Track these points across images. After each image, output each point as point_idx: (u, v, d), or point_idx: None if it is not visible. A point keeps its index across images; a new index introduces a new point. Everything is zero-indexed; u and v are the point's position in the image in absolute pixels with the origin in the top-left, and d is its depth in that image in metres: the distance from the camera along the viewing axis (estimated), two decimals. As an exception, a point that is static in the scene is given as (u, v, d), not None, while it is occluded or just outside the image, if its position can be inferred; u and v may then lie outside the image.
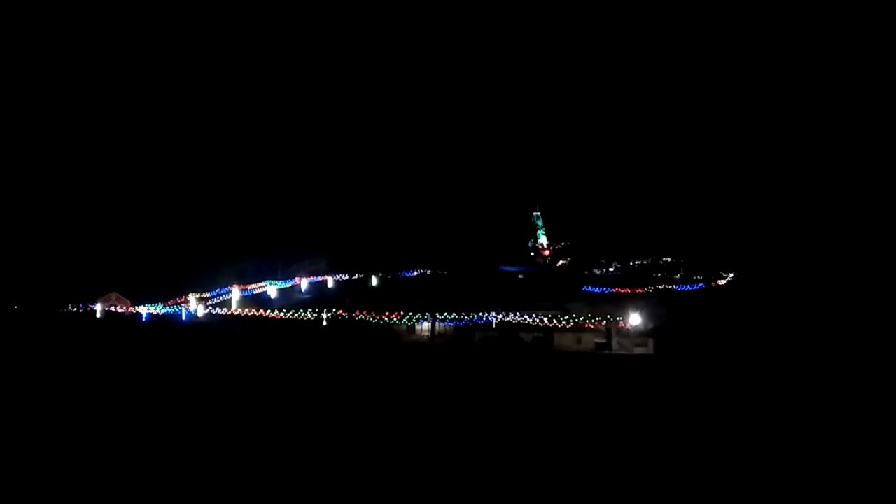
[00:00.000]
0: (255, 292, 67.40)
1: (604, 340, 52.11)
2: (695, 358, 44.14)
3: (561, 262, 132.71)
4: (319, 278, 78.34)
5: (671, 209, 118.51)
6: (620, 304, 59.83)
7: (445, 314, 53.61)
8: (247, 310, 56.76)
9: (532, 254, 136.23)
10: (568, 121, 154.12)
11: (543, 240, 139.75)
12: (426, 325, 54.60)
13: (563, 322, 52.37)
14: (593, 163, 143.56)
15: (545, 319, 52.89)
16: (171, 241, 77.23)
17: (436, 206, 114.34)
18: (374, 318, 53.33)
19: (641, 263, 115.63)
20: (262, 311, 55.92)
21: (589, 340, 52.08)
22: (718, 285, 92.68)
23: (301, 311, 54.67)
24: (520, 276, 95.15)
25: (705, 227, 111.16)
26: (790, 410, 25.44)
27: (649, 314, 54.41)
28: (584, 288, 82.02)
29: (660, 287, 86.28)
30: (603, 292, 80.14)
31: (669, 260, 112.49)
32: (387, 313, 53.48)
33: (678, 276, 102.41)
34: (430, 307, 54.48)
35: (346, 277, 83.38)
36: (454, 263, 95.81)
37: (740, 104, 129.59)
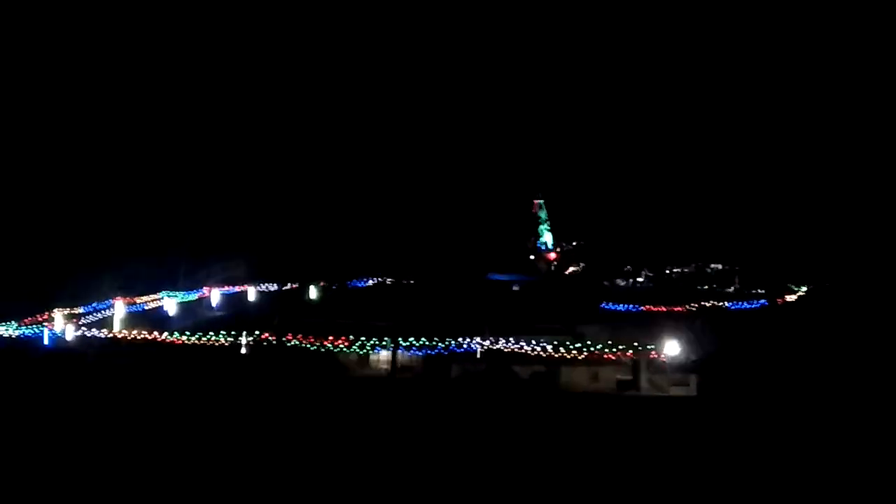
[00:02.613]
0: (146, 307, 67.23)
1: (630, 377, 52.36)
2: (755, 403, 44.44)
3: (571, 268, 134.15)
4: (237, 289, 78.68)
5: (722, 198, 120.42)
6: (652, 328, 60.23)
7: (412, 340, 53.34)
8: (135, 331, 56.24)
9: (532, 257, 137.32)
10: (580, 78, 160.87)
11: (548, 238, 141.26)
12: (385, 355, 54.51)
13: (574, 351, 52.49)
14: (614, 134, 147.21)
15: (549, 348, 52.97)
16: (30, 236, 76.97)
17: (399, 191, 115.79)
18: (312, 345, 53.17)
19: (681, 272, 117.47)
20: (155, 333, 55.47)
21: (609, 377, 52.18)
22: (787, 302, 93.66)
23: (211, 333, 54.33)
24: (515, 288, 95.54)
25: (769, 222, 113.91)
26: None
27: (692, 341, 54.72)
28: (603, 305, 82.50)
29: (706, 304, 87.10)
30: (628, 311, 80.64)
31: (720, 267, 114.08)
32: (331, 338, 53.23)
33: (731, 290, 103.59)
34: (391, 330, 54.41)
35: (274, 288, 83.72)
36: (425, 270, 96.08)
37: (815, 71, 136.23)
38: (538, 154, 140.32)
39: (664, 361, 52.23)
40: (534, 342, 53.70)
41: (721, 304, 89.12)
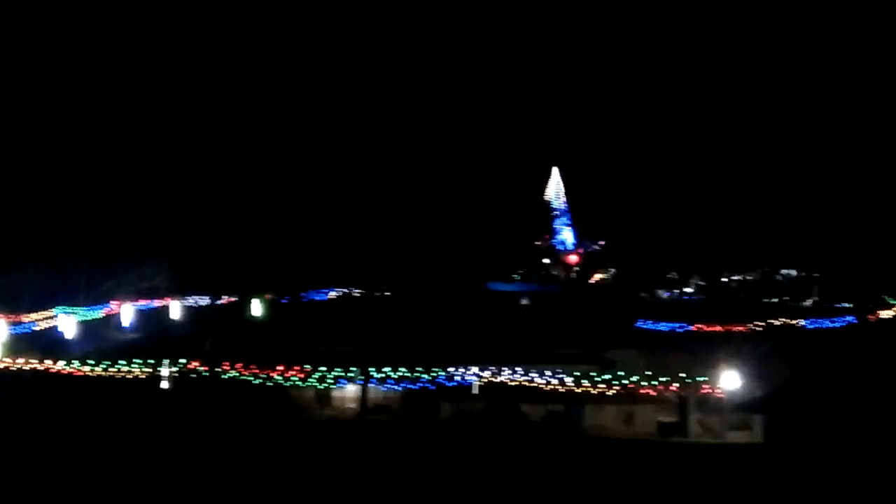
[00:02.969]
0: (35, 328, 67.24)
1: (675, 419, 53.33)
2: (839, 454, 44.21)
3: (598, 275, 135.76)
4: (156, 303, 79.22)
5: (796, 183, 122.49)
6: (705, 354, 60.41)
7: (387, 370, 53.84)
8: (20, 359, 56.01)
9: (546, 261, 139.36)
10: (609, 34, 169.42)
11: (567, 235, 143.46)
12: (352, 391, 55.37)
13: (602, 385, 53.05)
14: (653, 95, 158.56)
15: (569, 380, 53.53)
16: None
17: (369, 175, 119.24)
18: (256, 377, 53.51)
19: (743, 280, 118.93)
20: (48, 361, 55.48)
21: (647, 418, 53.64)
22: (881, 319, 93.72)
23: (121, 362, 54.42)
24: (523, 302, 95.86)
25: (858, 216, 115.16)
26: None
27: (757, 371, 55.09)
28: (640, 323, 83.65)
29: (775, 322, 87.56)
30: (673, 331, 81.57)
31: (793, 274, 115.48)
32: (280, 368, 53.59)
33: (809, 303, 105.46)
34: (359, 357, 54.90)
35: (205, 302, 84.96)
36: (405, 277, 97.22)
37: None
38: (553, 126, 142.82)
39: (720, 398, 52.49)
40: (548, 373, 54.18)
41: (796, 321, 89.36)
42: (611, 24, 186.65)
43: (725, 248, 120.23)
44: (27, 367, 55.22)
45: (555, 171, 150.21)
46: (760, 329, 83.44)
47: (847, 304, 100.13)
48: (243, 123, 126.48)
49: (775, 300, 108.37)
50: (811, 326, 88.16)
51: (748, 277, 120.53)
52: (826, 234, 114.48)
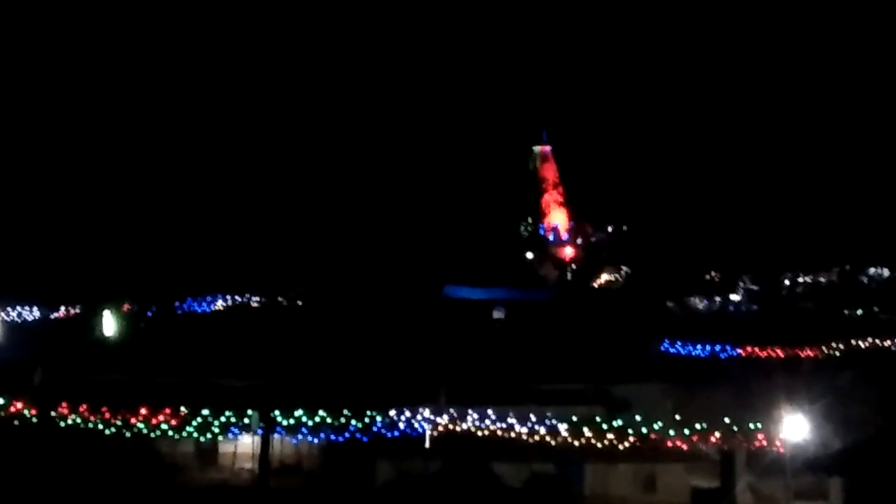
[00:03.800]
0: None
1: (716, 484, 53.56)
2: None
3: (605, 276, 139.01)
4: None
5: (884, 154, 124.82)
6: (758, 390, 60.89)
7: (300, 413, 53.61)
8: None
9: (530, 255, 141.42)
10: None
11: (560, 219, 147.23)
12: (249, 444, 55.38)
13: (612, 435, 52.84)
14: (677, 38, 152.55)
15: (563, 428, 53.40)
16: None
17: (276, 137, 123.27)
18: (107, 424, 53.11)
19: (812, 283, 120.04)
20: None
21: (676, 482, 53.59)
22: None
23: None
24: (497, 315, 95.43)
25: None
26: None
27: (834, 415, 55.34)
28: (664, 346, 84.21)
29: (860, 344, 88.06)
30: (713, 357, 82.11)
31: (885, 274, 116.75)
32: (143, 411, 53.21)
33: None
34: (258, 394, 55.46)
35: (35, 315, 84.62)
36: (325, 281, 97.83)
37: None
38: (542, 76, 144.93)
39: (782, 453, 51.84)
40: (533, 417, 53.90)
41: (889, 342, 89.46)
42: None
43: (788, 238, 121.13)
44: None
45: (543, 138, 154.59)
46: (839, 354, 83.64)
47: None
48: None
49: (860, 312, 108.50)
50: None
51: (821, 280, 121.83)
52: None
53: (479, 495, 51.93)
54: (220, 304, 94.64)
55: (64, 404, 53.46)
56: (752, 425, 52.75)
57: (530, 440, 53.42)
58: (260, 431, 53.47)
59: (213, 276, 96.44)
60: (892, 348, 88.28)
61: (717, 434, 52.63)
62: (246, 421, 53.21)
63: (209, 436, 53.88)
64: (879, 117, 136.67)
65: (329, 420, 53.37)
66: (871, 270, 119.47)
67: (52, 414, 53.25)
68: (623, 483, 53.97)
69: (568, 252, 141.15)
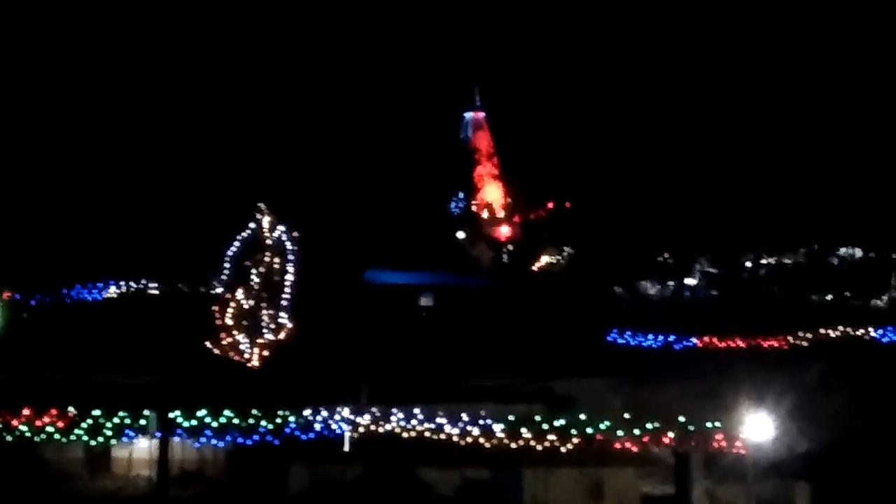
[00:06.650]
0: None
1: (670, 490, 53.79)
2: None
3: (545, 258, 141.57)
4: None
5: (857, 117, 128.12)
6: (717, 385, 61.22)
7: (203, 414, 53.86)
8: None
9: (461, 234, 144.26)
10: None
11: (495, 194, 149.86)
12: (145, 447, 55.38)
13: (554, 436, 53.05)
14: None
15: (498, 429, 53.51)
16: None
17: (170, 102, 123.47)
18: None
19: (776, 265, 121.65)
20: None
21: (625, 488, 53.52)
22: None
23: None
24: (425, 302, 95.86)
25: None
26: None
27: (801, 413, 55.81)
28: (613, 336, 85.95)
29: (830, 333, 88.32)
30: (668, 346, 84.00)
31: (858, 255, 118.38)
32: (26, 412, 53.07)
33: (883, 302, 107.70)
34: (156, 392, 55.63)
35: None
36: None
37: None
38: (471, 20, 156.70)
39: (743, 455, 52.20)
40: (466, 417, 54.64)
41: (862, 331, 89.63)
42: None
43: (749, 216, 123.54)
44: None
45: (476, 103, 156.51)
46: (807, 344, 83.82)
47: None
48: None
49: (830, 297, 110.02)
50: (885, 340, 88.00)
51: (786, 261, 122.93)
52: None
53: (404, 504, 51.27)
54: (112, 290, 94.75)
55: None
56: (709, 424, 53.79)
57: (462, 442, 54.18)
58: (158, 434, 53.54)
59: (106, 259, 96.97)
60: (865, 337, 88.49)
61: (671, 434, 53.64)
62: (142, 423, 53.75)
63: (101, 440, 54.11)
64: (846, 86, 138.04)
65: (236, 421, 54.09)
66: (842, 250, 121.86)
67: None
68: (566, 490, 53.20)
69: (504, 231, 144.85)
